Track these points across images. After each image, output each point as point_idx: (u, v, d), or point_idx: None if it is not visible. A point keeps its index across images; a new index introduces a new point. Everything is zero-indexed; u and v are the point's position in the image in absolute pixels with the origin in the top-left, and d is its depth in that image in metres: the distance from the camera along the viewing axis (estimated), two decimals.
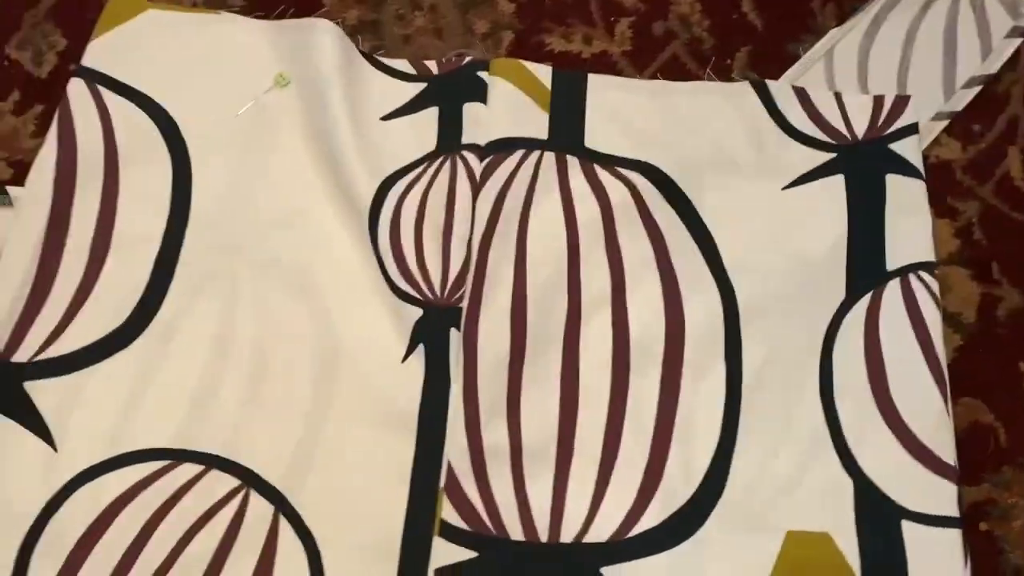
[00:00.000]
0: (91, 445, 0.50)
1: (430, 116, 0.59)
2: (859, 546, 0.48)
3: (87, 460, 0.49)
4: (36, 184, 0.54)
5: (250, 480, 0.49)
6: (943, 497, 0.49)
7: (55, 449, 0.48)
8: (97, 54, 0.57)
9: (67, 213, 0.53)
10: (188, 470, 0.49)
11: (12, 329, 0.50)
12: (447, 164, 0.56)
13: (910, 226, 0.55)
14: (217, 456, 0.50)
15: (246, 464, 0.49)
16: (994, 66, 0.60)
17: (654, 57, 0.64)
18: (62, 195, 0.54)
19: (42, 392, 0.50)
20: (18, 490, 0.48)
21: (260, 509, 0.48)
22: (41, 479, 0.48)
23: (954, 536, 0.48)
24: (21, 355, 0.50)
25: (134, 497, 0.48)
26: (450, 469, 0.48)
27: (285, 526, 0.48)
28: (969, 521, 0.50)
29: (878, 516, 0.49)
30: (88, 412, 0.50)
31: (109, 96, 0.56)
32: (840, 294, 0.53)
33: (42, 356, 0.50)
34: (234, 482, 0.49)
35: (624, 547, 0.47)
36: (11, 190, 0.55)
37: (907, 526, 0.48)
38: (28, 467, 0.48)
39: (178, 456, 0.50)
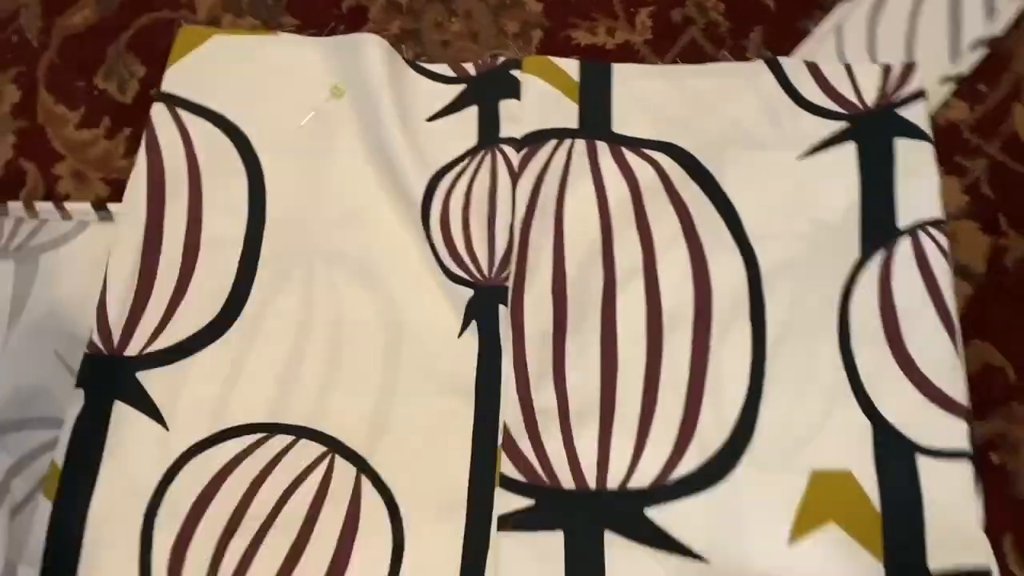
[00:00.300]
0: (196, 424, 0.55)
1: (470, 114, 0.62)
2: (878, 482, 0.52)
3: (194, 437, 0.55)
4: (131, 200, 0.59)
5: (334, 446, 0.54)
6: (955, 433, 0.52)
7: (166, 428, 0.54)
8: (173, 80, 0.62)
9: (160, 224, 0.59)
10: (280, 441, 0.54)
11: (122, 328, 0.56)
12: (488, 157, 0.60)
13: (919, 186, 0.57)
14: (304, 427, 0.55)
15: (330, 433, 0.55)
16: (998, 27, 0.61)
17: (673, 43, 0.65)
18: (154, 208, 0.59)
19: (152, 380, 0.55)
20: (138, 466, 0.54)
21: (344, 471, 0.53)
22: (156, 456, 0.54)
23: (966, 468, 0.51)
24: (132, 350, 0.56)
25: (236, 467, 0.54)
26: (506, 429, 0.53)
27: (366, 484, 0.53)
28: (981, 454, 0.52)
29: (895, 454, 0.52)
30: (192, 395, 0.56)
31: (187, 117, 0.62)
32: (855, 254, 0.56)
33: (149, 349, 0.56)
34: (320, 449, 0.54)
35: (665, 491, 0.52)
36: (111, 206, 0.60)
37: (922, 461, 0.51)
38: (145, 446, 0.54)
39: (271, 429, 0.55)
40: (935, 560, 0.49)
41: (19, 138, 0.63)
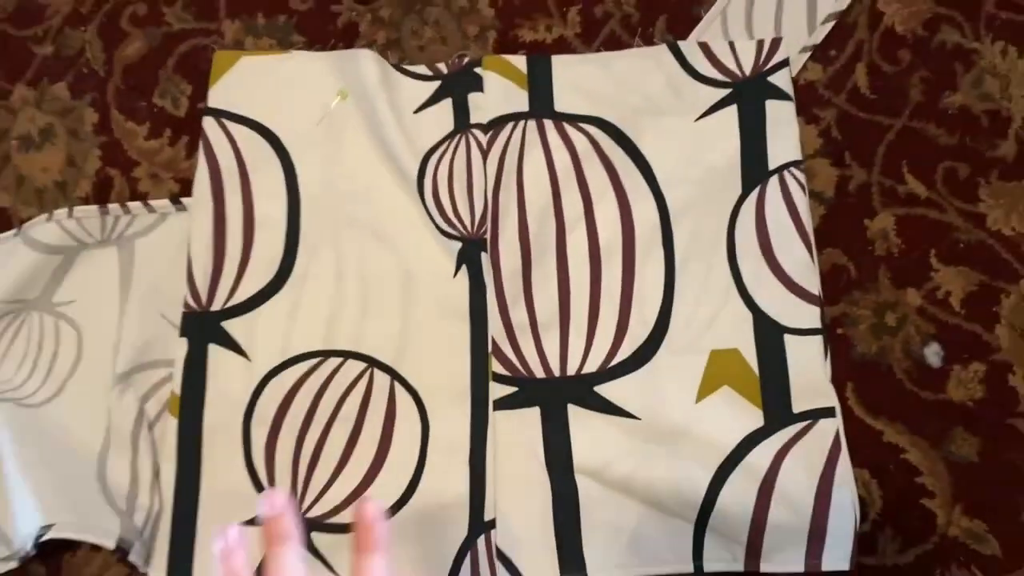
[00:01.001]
0: (270, 355, 0.65)
1: (446, 106, 0.70)
2: (757, 355, 0.63)
3: (270, 364, 0.65)
4: (199, 194, 0.69)
5: (372, 362, 0.65)
6: (811, 317, 0.64)
7: (249, 360, 0.65)
8: (216, 97, 0.71)
9: (223, 210, 0.68)
10: (333, 362, 0.65)
11: (207, 291, 0.67)
12: (462, 140, 0.69)
13: (784, 136, 0.68)
14: (349, 351, 0.65)
15: (368, 353, 0.65)
16: (845, 2, 0.71)
17: (597, 34, 0.73)
18: (217, 198, 0.69)
19: (234, 327, 0.66)
20: (234, 388, 0.65)
21: (381, 380, 0.64)
22: (244, 380, 0.65)
23: (818, 341, 0.63)
24: (216, 305, 0.67)
25: (303, 383, 0.64)
26: (493, 340, 0.64)
27: (398, 387, 0.64)
28: (831, 329, 0.64)
29: (768, 334, 0.63)
30: (264, 335, 0.66)
31: (231, 125, 0.71)
32: (738, 191, 0.67)
33: (229, 304, 0.67)
34: (362, 365, 0.65)
35: (608, 373, 0.63)
36: (183, 200, 0.70)
37: (788, 338, 0.63)
38: (236, 374, 0.65)
39: (324, 355, 0.65)
40: (797, 405, 0.62)
41: (103, 151, 0.73)
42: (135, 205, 0.71)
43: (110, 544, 0.61)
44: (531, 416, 0.63)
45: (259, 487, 0.64)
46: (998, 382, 0.64)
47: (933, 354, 0.65)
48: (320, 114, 0.71)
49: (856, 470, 0.62)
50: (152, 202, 0.71)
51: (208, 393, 0.66)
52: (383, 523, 0.37)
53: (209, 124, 0.71)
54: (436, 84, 0.72)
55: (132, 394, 0.66)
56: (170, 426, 0.65)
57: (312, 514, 0.63)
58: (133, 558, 0.62)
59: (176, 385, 0.66)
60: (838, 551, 0.59)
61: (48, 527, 0.60)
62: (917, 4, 0.72)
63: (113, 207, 0.71)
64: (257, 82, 0.72)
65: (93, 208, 0.71)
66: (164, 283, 0.69)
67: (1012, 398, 0.63)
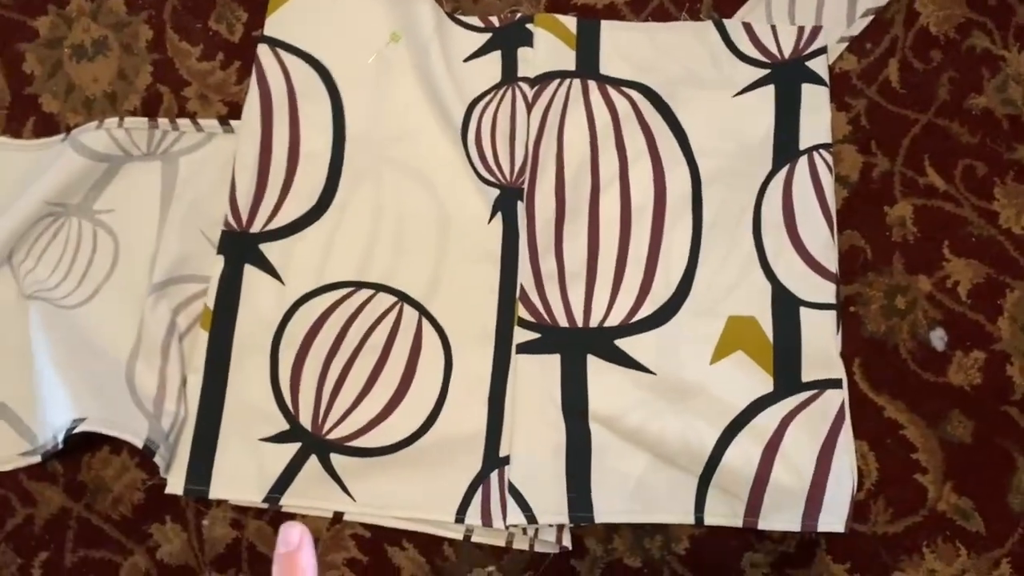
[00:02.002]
0: (304, 280, 0.67)
1: (495, 58, 0.72)
2: (773, 324, 0.65)
3: (303, 289, 0.67)
4: (248, 117, 0.71)
5: (402, 297, 0.67)
6: (826, 292, 0.66)
7: (283, 284, 0.67)
8: (273, 26, 0.73)
9: (270, 135, 0.70)
10: (364, 293, 0.67)
11: (248, 212, 0.68)
12: (509, 91, 0.71)
13: (816, 119, 0.70)
14: (381, 284, 0.67)
15: (399, 288, 0.67)
16: (883, 1, 0.73)
17: (647, 5, 0.75)
18: (265, 124, 0.70)
19: (271, 250, 0.68)
20: (266, 309, 0.67)
21: (410, 315, 0.66)
22: (277, 302, 0.67)
23: (832, 315, 0.65)
24: (255, 227, 0.68)
25: (334, 310, 0.66)
26: (521, 286, 0.66)
27: (426, 323, 0.66)
28: (843, 306, 0.67)
29: (785, 305, 0.65)
30: (300, 260, 0.68)
31: (285, 55, 0.72)
32: (768, 166, 0.69)
33: (268, 227, 0.68)
34: (392, 299, 0.67)
35: (629, 328, 0.65)
36: (232, 122, 0.72)
37: (803, 311, 0.65)
38: (269, 295, 0.67)
39: (357, 285, 0.67)
40: (806, 375, 0.64)
41: (155, 68, 0.74)
42: (184, 122, 0.73)
43: (138, 442, 0.62)
44: (551, 362, 0.65)
45: (282, 406, 0.66)
46: (996, 371, 0.67)
47: (938, 338, 0.68)
48: (372, 53, 0.73)
49: (856, 441, 0.65)
50: (202, 121, 0.73)
51: (240, 311, 0.68)
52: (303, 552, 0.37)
53: (264, 52, 0.73)
54: (487, 36, 0.74)
55: (165, 305, 0.68)
56: (200, 339, 0.67)
57: (332, 436, 0.65)
58: (158, 460, 0.63)
59: (210, 300, 0.68)
60: (833, 515, 0.62)
61: (79, 420, 0.62)
62: (952, 8, 0.74)
63: (162, 121, 0.73)
64: (314, 17, 0.74)
65: (143, 120, 0.72)
66: (205, 201, 0.70)
67: (1008, 387, 0.66)
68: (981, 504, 0.64)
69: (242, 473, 0.65)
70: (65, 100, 0.75)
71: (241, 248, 0.69)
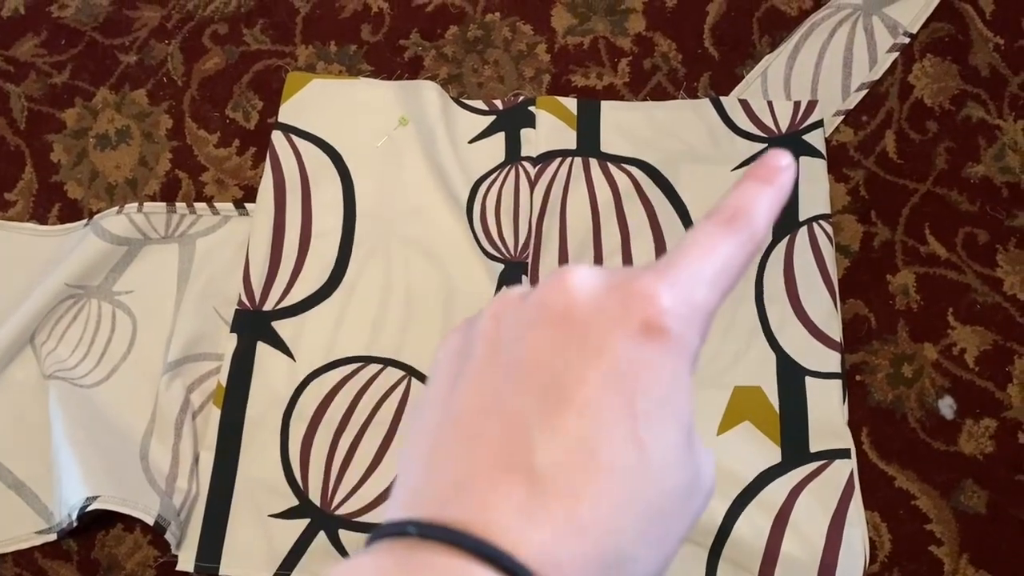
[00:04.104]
0: (314, 356, 0.69)
1: (499, 139, 0.75)
2: (779, 394, 0.65)
3: (313, 365, 0.68)
4: (262, 200, 0.73)
5: (410, 371, 0.68)
6: (831, 361, 0.66)
7: (294, 360, 0.68)
8: (286, 113, 0.76)
9: (283, 217, 0.72)
10: (373, 368, 0.68)
11: (261, 291, 0.70)
12: (512, 170, 0.73)
13: (814, 191, 0.71)
14: (389, 359, 0.68)
15: (407, 362, 0.68)
16: (878, 73, 0.75)
17: (645, 85, 0.77)
18: (278, 206, 0.73)
19: (283, 327, 0.69)
20: (276, 385, 0.68)
21: (417, 388, 0.67)
22: (288, 378, 0.68)
23: (838, 384, 0.65)
24: (268, 306, 0.70)
25: (343, 385, 0.67)
26: None
27: None
28: (849, 375, 0.67)
29: (790, 375, 0.66)
30: (310, 337, 0.69)
31: (298, 140, 0.75)
32: (768, 238, 0.70)
33: (280, 305, 0.70)
34: (401, 373, 0.68)
35: None
36: (247, 205, 0.74)
37: (808, 380, 0.66)
38: (280, 371, 0.68)
39: (366, 360, 0.68)
40: (814, 445, 0.64)
41: (174, 155, 0.78)
42: (200, 206, 0.75)
43: (149, 520, 0.63)
44: None
45: (292, 482, 0.67)
46: (1008, 439, 0.66)
47: (946, 407, 0.68)
48: (381, 137, 0.76)
49: (867, 512, 0.64)
50: (217, 204, 0.75)
51: (252, 387, 0.69)
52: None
53: (278, 138, 0.76)
54: (491, 118, 0.77)
55: (180, 383, 0.69)
56: (213, 416, 0.68)
57: (341, 512, 0.66)
58: (169, 537, 0.64)
59: (223, 377, 0.69)
60: None
61: (93, 499, 0.63)
62: (945, 80, 0.76)
63: (180, 206, 0.75)
64: (326, 103, 0.77)
65: (161, 205, 0.75)
66: (220, 281, 0.73)
67: (1021, 455, 0.65)
68: None
69: (252, 550, 0.65)
70: (89, 187, 0.78)
71: (254, 326, 0.70)
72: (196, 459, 0.68)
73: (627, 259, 0.71)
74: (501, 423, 0.25)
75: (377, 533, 0.26)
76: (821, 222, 0.71)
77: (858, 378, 0.68)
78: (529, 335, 0.26)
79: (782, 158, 0.28)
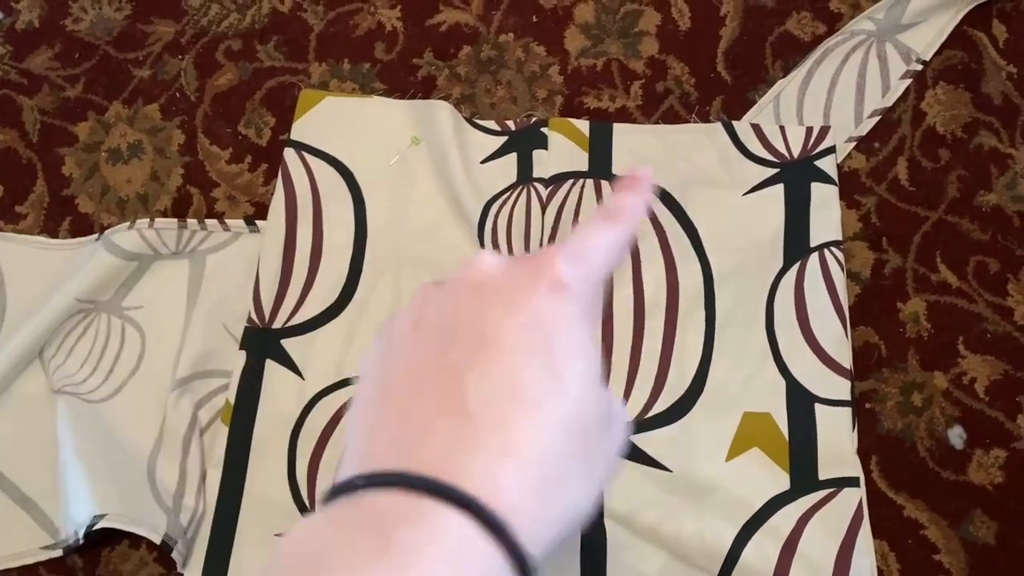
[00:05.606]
0: (323, 375, 0.68)
1: (511, 159, 0.74)
2: (788, 421, 0.64)
3: (322, 384, 0.68)
4: (273, 217, 0.73)
5: None
6: (841, 388, 0.65)
7: (303, 379, 0.68)
8: (299, 131, 0.76)
9: (294, 235, 0.72)
10: None
11: (271, 309, 0.70)
12: (524, 191, 0.73)
13: (826, 217, 0.70)
14: None
15: None
16: (891, 100, 0.75)
17: (657, 108, 0.76)
18: (289, 224, 0.73)
19: (292, 345, 0.69)
20: (285, 403, 0.68)
21: None
22: (296, 397, 0.68)
23: (847, 412, 0.64)
24: (277, 324, 0.70)
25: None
26: None
27: None
28: (859, 403, 0.66)
29: (800, 402, 0.65)
30: (320, 356, 0.69)
31: (310, 158, 0.75)
32: (779, 264, 0.69)
33: (289, 323, 0.70)
34: None
35: (644, 424, 0.65)
36: (257, 222, 0.74)
37: (818, 407, 0.65)
38: (288, 390, 0.68)
39: None
40: (823, 472, 0.64)
41: (186, 170, 0.77)
42: (211, 222, 0.75)
43: (156, 538, 0.63)
44: None
45: (299, 500, 0.66)
46: (1018, 469, 0.66)
47: (956, 436, 0.67)
48: (393, 156, 0.76)
49: (875, 541, 0.64)
50: (229, 221, 0.75)
51: (260, 405, 0.69)
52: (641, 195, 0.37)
53: (290, 155, 0.76)
54: (503, 139, 0.77)
55: (188, 399, 0.69)
56: (221, 433, 0.68)
57: None
58: (175, 556, 0.64)
59: (231, 394, 0.69)
60: None
61: (100, 516, 0.63)
62: (958, 108, 0.76)
63: (191, 222, 0.75)
64: (338, 121, 0.77)
65: (172, 221, 0.75)
66: (230, 297, 0.72)
67: None
68: None
69: (258, 568, 0.65)
70: (100, 201, 0.78)
71: (263, 344, 0.70)
72: (203, 476, 0.67)
73: (638, 283, 0.71)
74: (435, 379, 0.29)
75: (329, 493, 0.28)
76: (832, 248, 0.71)
77: (868, 406, 0.68)
78: (452, 304, 0.31)
79: (643, 172, 0.38)
